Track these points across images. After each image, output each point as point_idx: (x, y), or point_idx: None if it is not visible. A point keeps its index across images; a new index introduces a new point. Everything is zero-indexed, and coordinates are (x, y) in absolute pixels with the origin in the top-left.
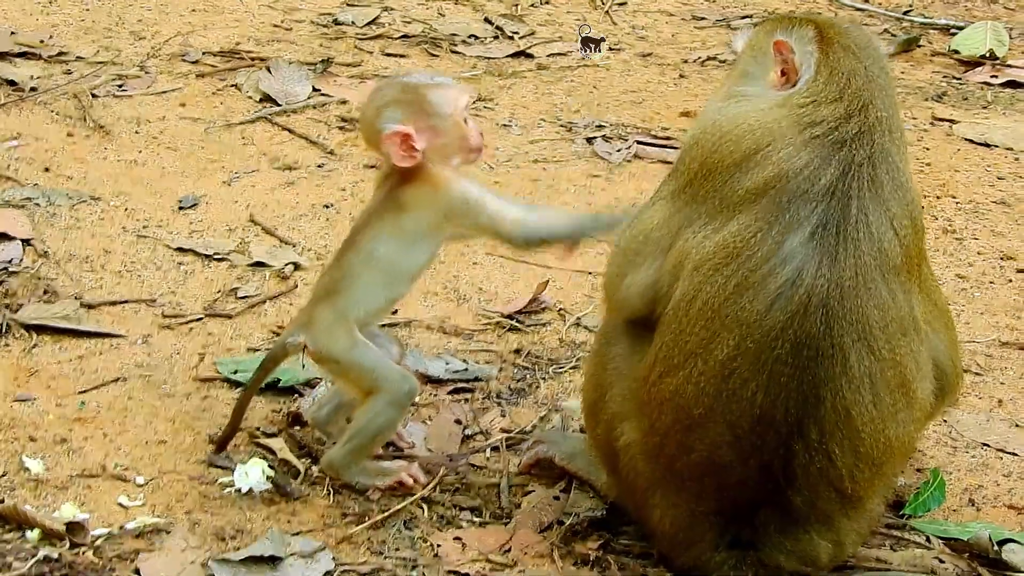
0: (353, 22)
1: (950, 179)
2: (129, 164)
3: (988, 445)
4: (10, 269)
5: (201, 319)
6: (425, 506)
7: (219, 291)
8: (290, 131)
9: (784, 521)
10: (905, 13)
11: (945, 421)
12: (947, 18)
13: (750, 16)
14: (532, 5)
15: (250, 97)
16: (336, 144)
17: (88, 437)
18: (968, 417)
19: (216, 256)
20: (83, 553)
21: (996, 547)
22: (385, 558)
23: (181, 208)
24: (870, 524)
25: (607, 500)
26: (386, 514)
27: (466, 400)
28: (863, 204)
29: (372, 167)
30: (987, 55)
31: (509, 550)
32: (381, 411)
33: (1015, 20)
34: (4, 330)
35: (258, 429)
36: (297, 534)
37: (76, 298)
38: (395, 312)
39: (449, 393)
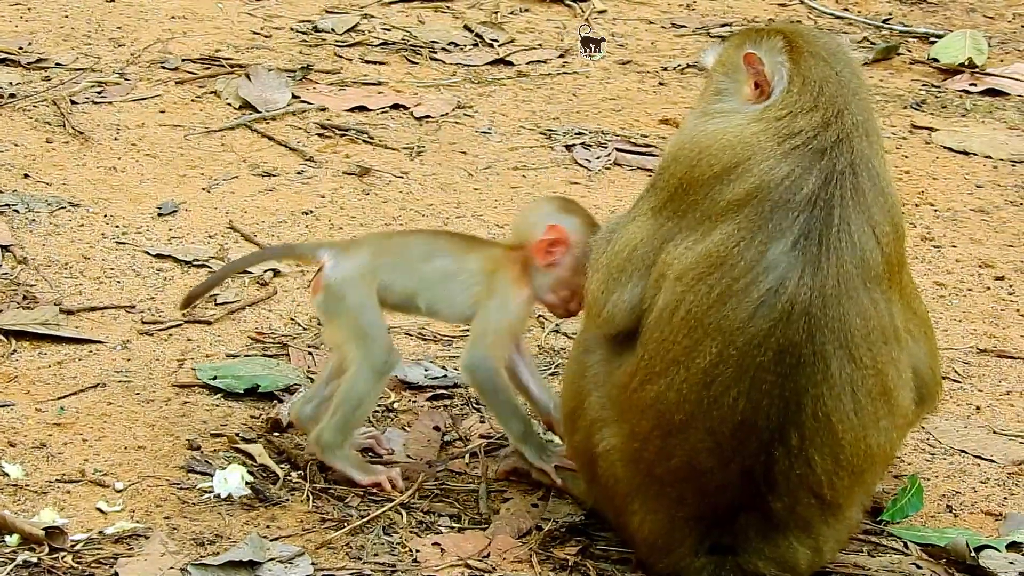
0: (333, 29)
1: (929, 187)
2: (108, 171)
3: (966, 452)
4: None
5: (180, 325)
6: (404, 512)
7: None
8: (269, 138)
9: (764, 527)
10: (884, 21)
11: (923, 428)
12: (926, 26)
13: (729, 24)
14: (511, 13)
15: (229, 104)
16: (315, 151)
17: (67, 442)
18: (946, 424)
19: (195, 263)
20: (62, 558)
21: (973, 553)
22: (364, 563)
23: (160, 215)
24: (849, 530)
25: (585, 506)
26: (365, 519)
27: (445, 406)
28: (845, 213)
29: (351, 174)
30: (966, 63)
31: (488, 555)
32: (361, 379)
33: (994, 29)
34: None
35: (237, 435)
36: (276, 539)
37: (55, 304)
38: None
39: (428, 399)
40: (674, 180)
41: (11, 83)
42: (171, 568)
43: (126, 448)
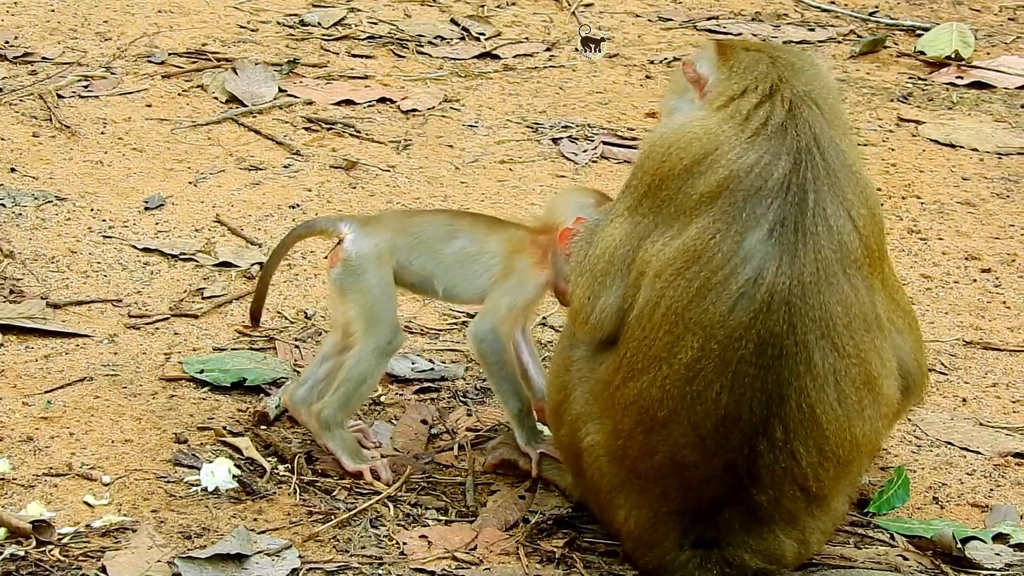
0: (319, 23)
1: (915, 179)
2: (95, 164)
3: (952, 444)
4: None
5: (167, 319)
6: (391, 504)
7: (185, 291)
8: (256, 132)
9: (749, 520)
10: (871, 14)
11: (909, 420)
12: (913, 19)
13: (716, 17)
14: (498, 6)
15: (216, 98)
16: (302, 144)
17: (54, 436)
18: (932, 416)
19: (182, 256)
20: (49, 551)
21: (959, 544)
22: (351, 556)
23: (147, 208)
24: (835, 522)
25: (572, 499)
26: (352, 512)
27: (432, 399)
28: (820, 196)
29: (337, 168)
30: (952, 56)
31: (475, 548)
32: (366, 357)
33: (980, 21)
34: None
35: (224, 428)
36: (263, 532)
37: (42, 298)
38: None
39: (415, 392)
40: (647, 177)
41: None
42: (158, 561)
43: (113, 442)
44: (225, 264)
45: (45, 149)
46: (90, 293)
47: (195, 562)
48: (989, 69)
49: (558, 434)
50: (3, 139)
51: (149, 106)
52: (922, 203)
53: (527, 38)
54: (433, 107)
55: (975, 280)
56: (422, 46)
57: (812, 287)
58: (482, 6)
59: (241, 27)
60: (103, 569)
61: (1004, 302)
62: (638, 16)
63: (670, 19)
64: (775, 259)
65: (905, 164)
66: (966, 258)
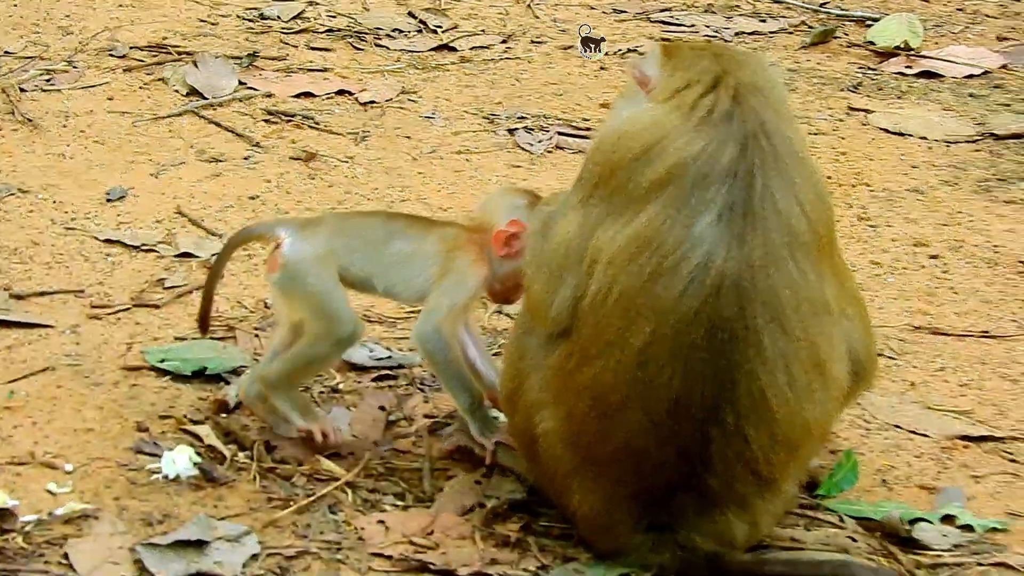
0: (279, 16)
1: (865, 168)
2: (57, 157)
3: (900, 427)
4: None
5: (128, 309)
6: (349, 491)
7: (146, 281)
8: (216, 124)
9: (701, 504)
10: (822, 5)
11: (858, 404)
12: (863, 10)
13: (669, 9)
14: None
15: (177, 91)
16: (262, 137)
17: (17, 425)
18: (881, 400)
19: (143, 247)
20: (12, 539)
21: (907, 526)
22: (310, 541)
23: (109, 200)
24: (785, 505)
25: (527, 484)
26: (311, 499)
27: (390, 387)
28: (767, 180)
29: (297, 159)
30: (902, 46)
31: (432, 532)
32: (322, 344)
33: (929, 12)
34: None
35: (185, 416)
36: (223, 519)
37: (5, 289)
38: None
39: (373, 380)
40: (597, 168)
41: None
42: (120, 548)
43: (76, 430)
44: (186, 255)
45: (7, 142)
46: (52, 284)
47: (156, 548)
48: (937, 59)
49: (513, 421)
50: None
51: (111, 99)
52: (871, 191)
53: (483, 31)
54: (391, 99)
55: (923, 266)
56: (380, 39)
57: (761, 271)
58: None
59: (201, 21)
60: (66, 556)
61: (952, 288)
62: (593, 8)
63: (624, 11)
64: (724, 244)
65: (855, 152)
66: (914, 245)
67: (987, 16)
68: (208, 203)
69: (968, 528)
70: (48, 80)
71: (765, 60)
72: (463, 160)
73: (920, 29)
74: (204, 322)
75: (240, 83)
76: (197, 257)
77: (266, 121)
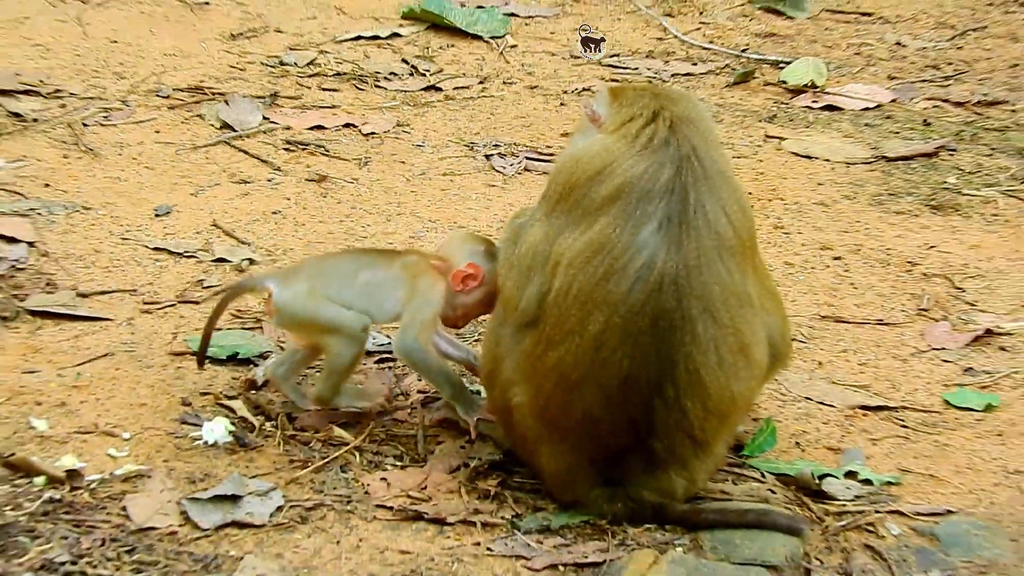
0: (295, 63)
1: (779, 185)
2: (113, 180)
3: (811, 399)
4: (18, 266)
5: (174, 305)
6: (357, 453)
7: (188, 282)
8: (245, 152)
9: (647, 464)
10: (743, 51)
11: (776, 380)
12: (777, 55)
13: (617, 55)
14: (440, 48)
15: (212, 125)
16: (282, 162)
17: (83, 401)
18: (794, 376)
19: (185, 254)
20: (80, 494)
21: (817, 481)
22: (325, 495)
23: (156, 215)
24: (716, 464)
25: (504, 447)
26: (326, 460)
27: (390, 367)
28: (699, 196)
29: (311, 180)
30: (809, 85)
31: (425, 487)
32: (344, 349)
33: (831, 56)
34: (14, 316)
35: (221, 393)
36: (254, 477)
37: (72, 289)
38: None
39: (376, 362)
40: (559, 187)
41: (34, 110)
42: (168, 502)
43: (131, 405)
44: (221, 260)
45: (73, 168)
46: (111, 285)
47: (198, 502)
48: (839, 95)
49: (491, 395)
50: (39, 160)
51: (157, 132)
52: (785, 204)
53: (464, 74)
54: (388, 130)
55: (828, 266)
56: (379, 81)
57: (695, 270)
58: (427, 47)
59: (232, 67)
60: (124, 508)
61: (852, 284)
62: (554, 55)
63: (579, 57)
64: (664, 248)
65: (771, 173)
66: (821, 248)
67: (880, 59)
68: (239, 217)
69: (867, 482)
70: (106, 117)
71: (695, 97)
72: (448, 180)
73: (824, 70)
74: (201, 357)
75: (264, 118)
76: (230, 262)
77: (285, 149)
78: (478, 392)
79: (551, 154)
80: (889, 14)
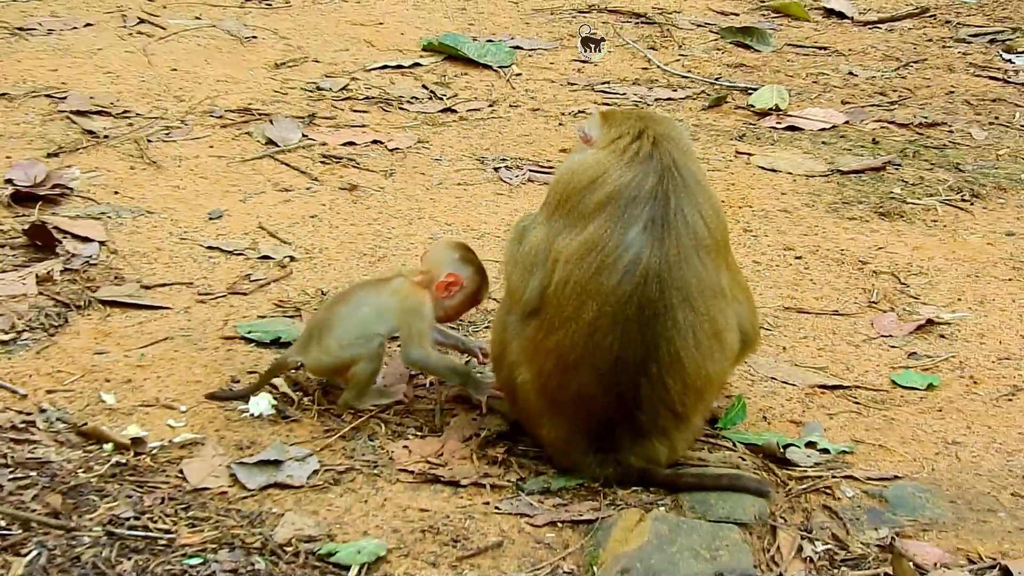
0: (330, 88)
1: (748, 194)
2: (173, 188)
3: (776, 379)
4: (91, 262)
5: (225, 296)
6: (383, 424)
7: (237, 276)
8: (287, 164)
9: (634, 433)
10: (716, 79)
11: (746, 362)
12: (746, 82)
13: (608, 82)
14: (455, 76)
15: (258, 141)
16: (319, 173)
17: (146, 378)
18: (762, 359)
19: (235, 252)
20: (143, 459)
21: (781, 450)
22: (355, 460)
23: (210, 219)
24: (694, 434)
25: (510, 420)
26: (355, 430)
27: None
28: (678, 201)
29: (344, 189)
30: (774, 108)
31: (442, 454)
32: (364, 367)
33: (793, 83)
34: (86, 305)
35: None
36: (293, 444)
37: (137, 282)
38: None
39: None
40: (557, 195)
41: (105, 128)
42: (220, 465)
43: (188, 382)
44: (265, 257)
45: (139, 178)
46: (170, 278)
47: (245, 466)
48: (799, 117)
49: (499, 376)
50: (109, 171)
51: (211, 147)
52: (753, 211)
53: (475, 98)
54: (410, 146)
55: (791, 264)
56: (402, 104)
57: (675, 265)
58: (444, 75)
59: (275, 92)
60: (181, 471)
61: (811, 280)
62: (553, 82)
63: (575, 83)
64: (648, 246)
65: (741, 184)
66: (784, 249)
67: (835, 87)
68: (281, 221)
69: (825, 451)
70: (167, 134)
71: (675, 119)
72: (461, 190)
73: (787, 96)
74: (247, 396)
75: (303, 135)
76: (273, 259)
77: (322, 162)
78: (482, 373)
79: (551, 167)
80: (842, 48)
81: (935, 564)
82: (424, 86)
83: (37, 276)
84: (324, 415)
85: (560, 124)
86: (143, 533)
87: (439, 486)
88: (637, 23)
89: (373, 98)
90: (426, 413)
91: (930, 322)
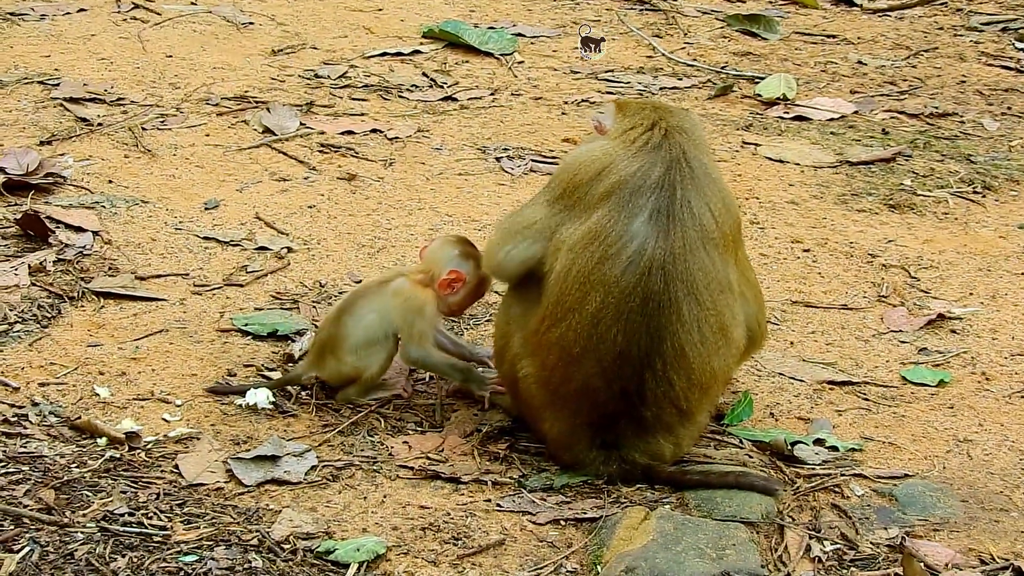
0: (328, 76)
1: (755, 186)
2: (168, 177)
3: (783, 374)
4: (84, 252)
5: (221, 287)
6: (382, 419)
7: (234, 267)
8: (284, 154)
9: (638, 430)
10: (722, 68)
11: (752, 357)
12: (752, 71)
13: (612, 71)
14: (456, 64)
15: (255, 129)
16: (317, 163)
17: (141, 371)
18: (769, 354)
19: (231, 242)
20: (138, 454)
21: (789, 447)
22: (354, 456)
23: (206, 208)
24: (700, 431)
25: (512, 415)
26: (354, 425)
27: None
28: (685, 192)
29: (342, 179)
30: (781, 97)
31: (442, 450)
32: (377, 368)
33: (800, 72)
34: (80, 296)
35: (263, 365)
36: (291, 440)
37: (131, 273)
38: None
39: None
40: (563, 184)
41: (99, 116)
42: (216, 460)
43: (183, 375)
44: (262, 248)
45: (133, 167)
46: (166, 269)
47: (242, 461)
48: (807, 107)
49: (501, 369)
50: (103, 159)
51: (207, 135)
52: (760, 202)
53: (477, 86)
54: (410, 135)
55: (798, 257)
56: (402, 92)
57: (681, 257)
58: (444, 63)
59: (272, 79)
60: (176, 467)
61: (819, 273)
62: (556, 70)
63: (579, 72)
64: (653, 237)
65: (748, 175)
66: (792, 241)
67: (843, 76)
68: (278, 211)
69: (834, 448)
70: (162, 122)
71: (692, 113)
72: (463, 180)
73: (794, 85)
74: (218, 392)
75: (301, 124)
76: (270, 250)
77: (320, 151)
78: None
79: (553, 157)
80: (852, 36)
81: (946, 565)
82: (424, 74)
83: (29, 267)
84: (322, 410)
85: (563, 113)
86: (138, 529)
87: (439, 483)
88: (642, 10)
89: (372, 86)
90: (426, 408)
91: (941, 317)
